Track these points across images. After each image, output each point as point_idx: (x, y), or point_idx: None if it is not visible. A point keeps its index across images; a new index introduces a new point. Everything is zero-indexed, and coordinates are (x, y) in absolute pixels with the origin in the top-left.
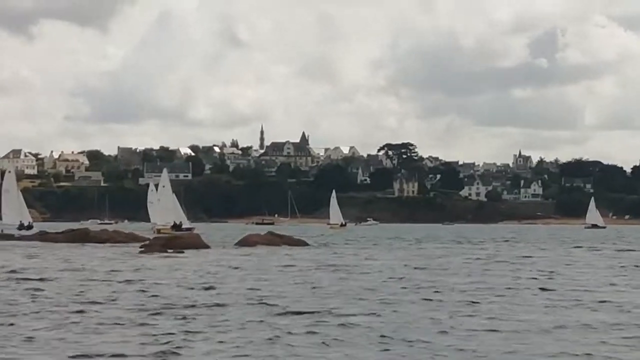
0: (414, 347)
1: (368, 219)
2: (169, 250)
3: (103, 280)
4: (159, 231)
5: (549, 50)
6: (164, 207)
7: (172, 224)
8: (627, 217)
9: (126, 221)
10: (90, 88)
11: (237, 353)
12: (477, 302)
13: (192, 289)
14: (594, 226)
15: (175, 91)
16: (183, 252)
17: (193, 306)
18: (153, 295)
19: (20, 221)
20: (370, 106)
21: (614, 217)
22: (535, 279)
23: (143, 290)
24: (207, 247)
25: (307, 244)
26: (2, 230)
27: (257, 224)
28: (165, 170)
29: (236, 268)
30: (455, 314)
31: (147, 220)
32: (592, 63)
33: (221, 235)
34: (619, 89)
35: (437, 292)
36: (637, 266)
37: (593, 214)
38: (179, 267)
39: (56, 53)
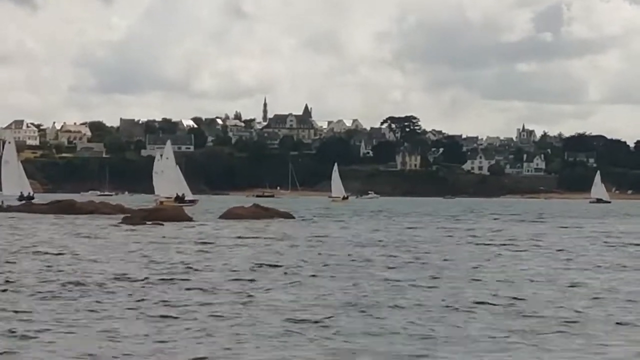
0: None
1: (369, 192)
2: (148, 223)
3: (31, 253)
4: (161, 203)
5: (554, 24)
6: (168, 179)
7: (174, 196)
8: (629, 192)
9: (127, 193)
10: (95, 58)
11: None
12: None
13: (128, 261)
14: (599, 201)
15: (180, 62)
16: (162, 225)
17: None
18: (59, 271)
19: (21, 192)
20: (375, 79)
21: (617, 191)
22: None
23: (60, 262)
24: (189, 219)
25: (292, 217)
26: (2, 202)
27: (257, 196)
28: (168, 142)
29: (180, 241)
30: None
31: (149, 192)
32: (596, 37)
33: (216, 208)
34: (624, 63)
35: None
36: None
37: (598, 189)
38: (135, 240)
39: (61, 23)
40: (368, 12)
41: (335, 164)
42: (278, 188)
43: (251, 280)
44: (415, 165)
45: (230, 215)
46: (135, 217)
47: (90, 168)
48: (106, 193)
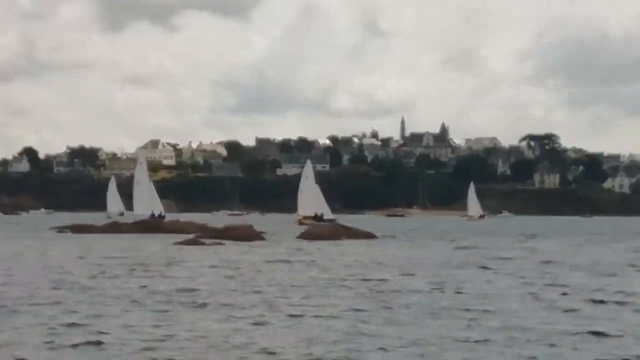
0: None
1: (503, 211)
2: (207, 242)
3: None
4: (300, 222)
5: None
6: (307, 198)
7: (313, 215)
8: None
9: (257, 212)
10: (234, 79)
11: None
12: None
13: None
14: None
15: (318, 82)
16: (223, 244)
17: None
18: None
19: (152, 211)
20: (515, 97)
21: None
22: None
23: None
24: (260, 238)
25: (374, 237)
26: (134, 220)
27: (388, 215)
28: (308, 162)
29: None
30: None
31: (284, 210)
32: None
33: None
34: None
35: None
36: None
37: None
38: (159, 261)
39: (199, 44)
40: (508, 29)
41: (471, 183)
42: (414, 207)
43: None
44: (554, 184)
45: (309, 235)
46: (194, 238)
47: (225, 187)
48: (236, 212)
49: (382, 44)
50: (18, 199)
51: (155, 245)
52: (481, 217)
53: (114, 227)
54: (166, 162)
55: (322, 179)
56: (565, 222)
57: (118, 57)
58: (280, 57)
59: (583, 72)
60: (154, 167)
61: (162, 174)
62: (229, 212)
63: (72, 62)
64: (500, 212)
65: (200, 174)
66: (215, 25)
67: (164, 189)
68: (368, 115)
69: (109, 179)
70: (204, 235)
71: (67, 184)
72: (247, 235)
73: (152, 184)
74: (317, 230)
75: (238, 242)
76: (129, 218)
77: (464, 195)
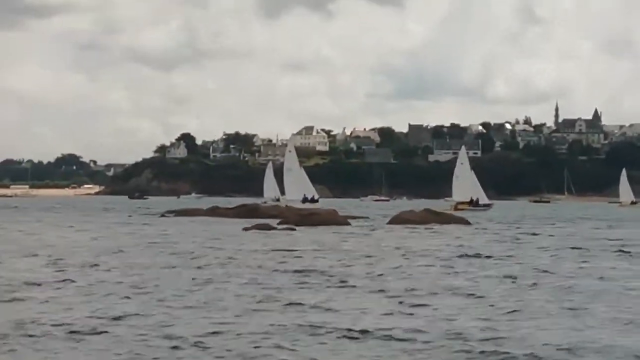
0: None
1: None
2: (279, 228)
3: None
4: (456, 207)
5: None
6: (463, 184)
7: (469, 200)
8: None
9: (404, 198)
10: (391, 65)
11: None
12: None
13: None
14: None
15: (475, 68)
16: (294, 230)
17: None
18: None
19: (304, 195)
20: None
21: None
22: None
23: None
24: (345, 223)
25: (468, 223)
26: (285, 205)
27: (535, 201)
28: (463, 148)
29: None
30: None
31: (434, 196)
32: None
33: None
34: None
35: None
36: None
37: None
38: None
39: (355, 30)
40: None
41: (623, 169)
42: (566, 194)
43: None
44: None
45: (399, 220)
46: (265, 223)
47: (376, 173)
48: (382, 198)
49: (539, 29)
50: (175, 184)
51: (214, 229)
52: (633, 203)
53: (215, 212)
54: (320, 148)
55: (473, 165)
56: None
57: (276, 43)
58: (436, 44)
59: None
60: (307, 153)
61: (316, 160)
62: (376, 197)
63: (232, 49)
64: None
65: (352, 160)
66: (372, 11)
67: (317, 175)
68: (522, 102)
69: (264, 164)
70: (286, 220)
71: (222, 170)
72: (331, 220)
73: (302, 169)
74: (407, 216)
75: (316, 227)
76: (282, 203)
77: (616, 181)
